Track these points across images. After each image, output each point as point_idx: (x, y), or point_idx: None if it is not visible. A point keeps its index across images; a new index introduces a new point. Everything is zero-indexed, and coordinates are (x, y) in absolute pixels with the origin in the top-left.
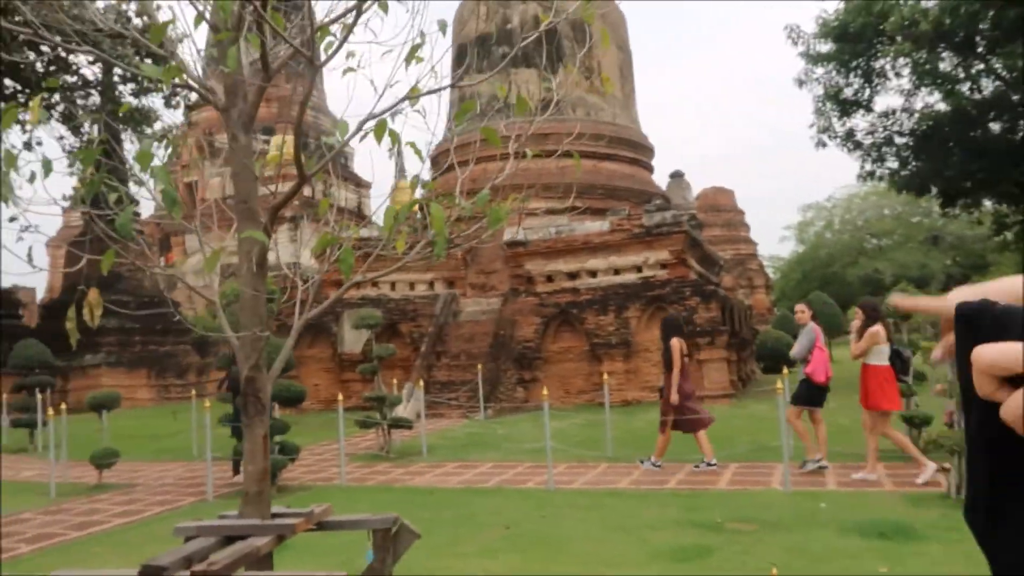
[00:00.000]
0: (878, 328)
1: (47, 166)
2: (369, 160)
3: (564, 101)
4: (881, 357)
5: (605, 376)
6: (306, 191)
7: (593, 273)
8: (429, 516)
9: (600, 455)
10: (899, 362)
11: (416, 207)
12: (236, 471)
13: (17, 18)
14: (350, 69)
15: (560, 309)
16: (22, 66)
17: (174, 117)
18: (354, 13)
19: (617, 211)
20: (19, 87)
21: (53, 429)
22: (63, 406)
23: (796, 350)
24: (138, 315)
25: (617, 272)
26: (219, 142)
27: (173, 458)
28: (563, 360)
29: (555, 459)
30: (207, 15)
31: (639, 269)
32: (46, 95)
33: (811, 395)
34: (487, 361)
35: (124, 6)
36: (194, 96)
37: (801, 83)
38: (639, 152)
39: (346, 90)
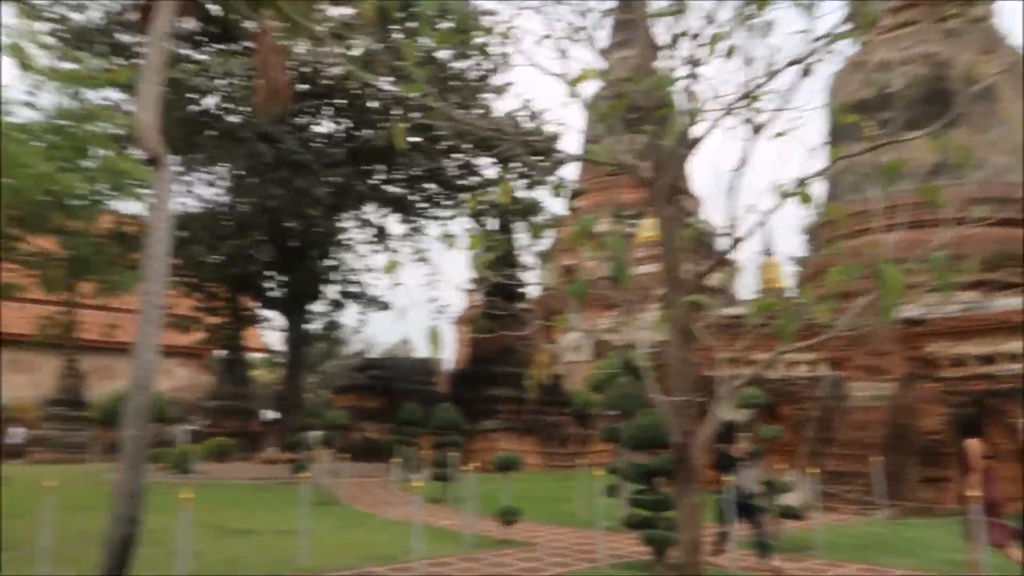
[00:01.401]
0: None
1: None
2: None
3: (960, 164)
4: None
5: None
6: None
7: (1013, 357)
8: None
9: None
10: None
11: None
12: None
13: (435, 132)
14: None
15: (973, 398)
16: (440, 170)
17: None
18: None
19: None
20: (439, 188)
21: (463, 485)
22: (471, 465)
23: None
24: (526, 386)
25: None
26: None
27: (562, 522)
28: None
29: None
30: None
31: None
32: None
33: None
34: (882, 453)
35: (518, 113)
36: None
37: None
38: None
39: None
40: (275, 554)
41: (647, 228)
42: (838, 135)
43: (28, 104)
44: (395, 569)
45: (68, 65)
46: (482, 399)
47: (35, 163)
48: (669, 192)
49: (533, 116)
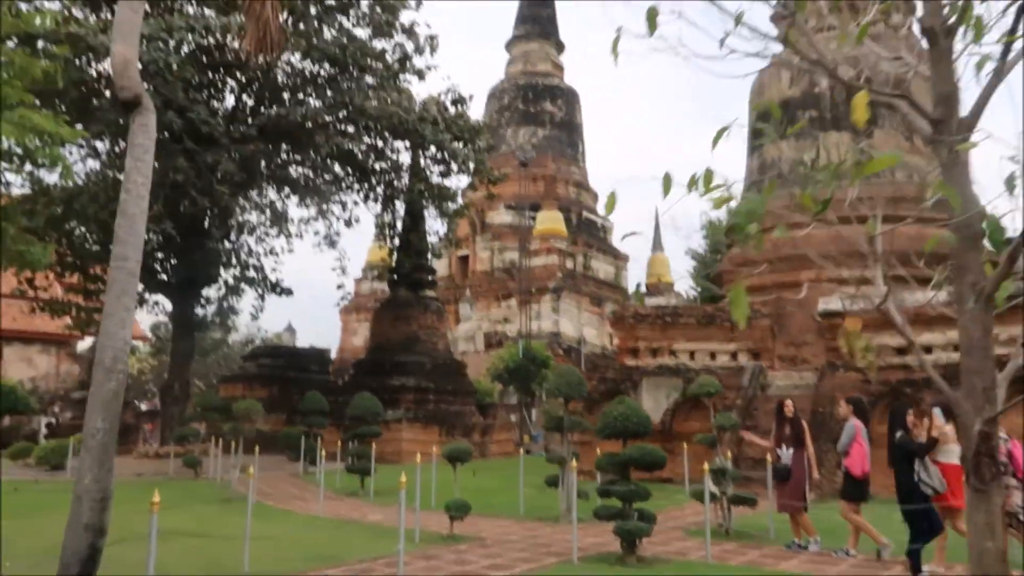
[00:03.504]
0: (949, 427)
1: None
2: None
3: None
4: (952, 456)
5: None
6: (568, 264)
7: (928, 349)
8: None
9: None
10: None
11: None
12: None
13: (343, 113)
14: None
15: (889, 387)
16: (349, 153)
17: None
18: None
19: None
20: (349, 171)
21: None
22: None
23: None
24: (432, 375)
25: (958, 348)
26: (488, 219)
27: (499, 514)
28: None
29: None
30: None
31: None
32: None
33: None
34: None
35: (441, 97)
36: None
37: None
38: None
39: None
40: (210, 557)
41: (543, 220)
42: (759, 132)
43: None
44: (349, 571)
45: None
46: (384, 388)
47: None
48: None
49: (457, 101)
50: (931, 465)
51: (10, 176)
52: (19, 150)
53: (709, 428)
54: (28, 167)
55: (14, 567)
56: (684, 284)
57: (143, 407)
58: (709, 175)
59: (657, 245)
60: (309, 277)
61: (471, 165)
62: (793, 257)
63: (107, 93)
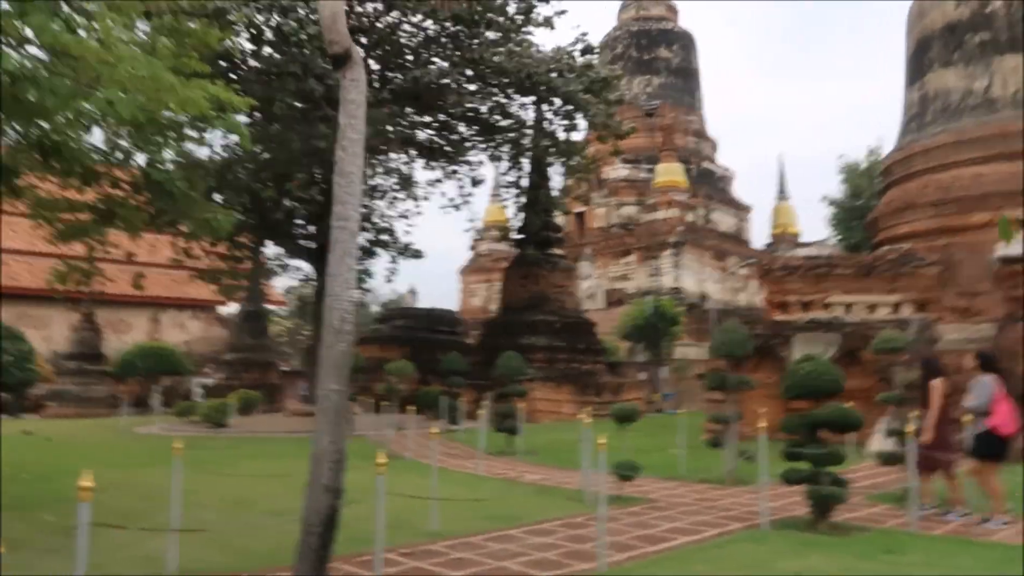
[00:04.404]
0: None
1: None
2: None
3: None
4: None
5: None
6: (689, 217)
7: None
8: None
9: None
10: None
11: None
12: None
13: (469, 71)
14: None
15: None
16: (473, 111)
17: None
18: None
19: None
20: (472, 131)
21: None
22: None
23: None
24: (562, 334)
25: None
26: (603, 174)
27: (659, 475)
28: None
29: None
30: None
31: None
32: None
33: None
34: None
35: (570, 48)
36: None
37: None
38: None
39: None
40: (396, 516)
41: (663, 173)
42: (920, 63)
43: None
44: (533, 532)
45: None
46: (516, 347)
47: (148, 67)
48: None
49: (587, 51)
50: None
51: (191, 146)
52: (197, 121)
53: (870, 386)
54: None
55: (204, 517)
56: (814, 233)
57: (285, 368)
58: None
59: (782, 194)
60: (428, 239)
61: (601, 118)
62: (964, 198)
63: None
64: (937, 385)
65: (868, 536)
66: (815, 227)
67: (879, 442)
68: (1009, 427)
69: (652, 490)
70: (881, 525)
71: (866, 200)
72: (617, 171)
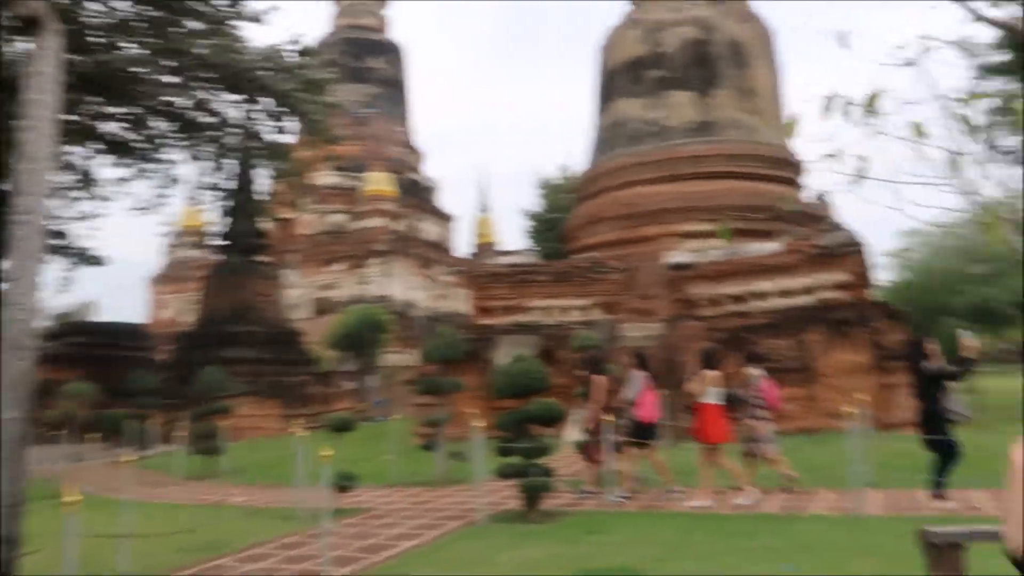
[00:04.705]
0: (714, 372)
1: None
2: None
3: (721, 123)
4: (713, 397)
5: None
6: (397, 226)
7: (762, 296)
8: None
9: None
10: (734, 403)
11: None
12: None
13: (169, 61)
14: None
15: (730, 333)
16: (170, 107)
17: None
18: None
19: (791, 231)
20: (173, 126)
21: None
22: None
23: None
24: (268, 346)
25: (786, 295)
26: (312, 180)
27: (372, 484)
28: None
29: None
30: None
31: (810, 291)
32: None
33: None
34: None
35: (285, 46)
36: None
37: (970, 97)
38: (793, 171)
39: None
40: (89, 560)
41: (372, 182)
42: (608, 91)
43: None
44: (246, 559)
45: None
46: (216, 361)
47: None
48: None
49: (304, 52)
50: (955, 392)
51: None
52: None
53: (567, 382)
54: None
55: None
56: (514, 243)
57: None
58: None
59: (484, 206)
60: (117, 245)
61: (318, 116)
62: (642, 213)
63: None
64: (597, 380)
65: (575, 520)
66: (515, 237)
67: (572, 432)
68: (652, 416)
69: (369, 499)
70: (583, 508)
71: (560, 213)
72: (327, 178)
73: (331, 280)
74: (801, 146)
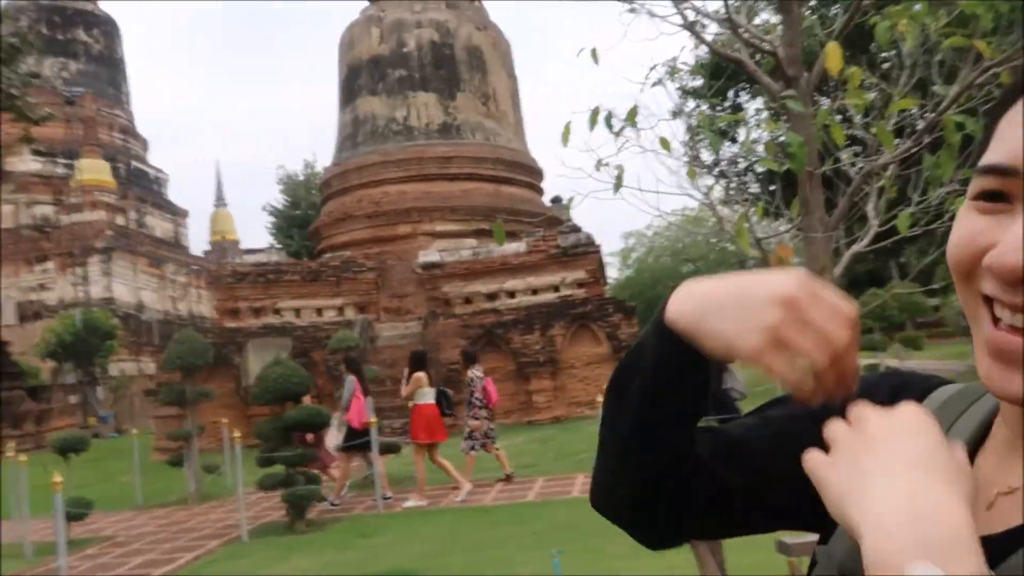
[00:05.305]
0: (422, 374)
1: None
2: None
3: (464, 126)
4: (426, 397)
5: None
6: (119, 220)
7: (511, 294)
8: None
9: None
10: (445, 401)
11: None
12: None
13: None
14: None
15: (485, 330)
16: None
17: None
18: None
19: (532, 232)
20: None
21: None
22: None
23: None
24: None
25: (535, 292)
26: (12, 167)
27: (110, 509)
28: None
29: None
30: None
31: (556, 288)
32: None
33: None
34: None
35: None
36: None
37: (675, 115)
38: (533, 176)
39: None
40: None
41: (86, 170)
42: (351, 88)
43: None
44: None
45: None
46: None
47: None
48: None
49: None
50: (737, 371)
51: None
52: None
53: (325, 383)
54: None
55: None
56: (255, 240)
57: None
58: None
59: (220, 200)
60: None
61: (15, 89)
62: (391, 212)
63: None
64: (349, 382)
65: (343, 526)
66: (256, 234)
67: (333, 436)
68: (358, 421)
69: (107, 526)
70: (352, 512)
71: (304, 210)
72: (27, 164)
73: (40, 280)
74: (566, 154)
